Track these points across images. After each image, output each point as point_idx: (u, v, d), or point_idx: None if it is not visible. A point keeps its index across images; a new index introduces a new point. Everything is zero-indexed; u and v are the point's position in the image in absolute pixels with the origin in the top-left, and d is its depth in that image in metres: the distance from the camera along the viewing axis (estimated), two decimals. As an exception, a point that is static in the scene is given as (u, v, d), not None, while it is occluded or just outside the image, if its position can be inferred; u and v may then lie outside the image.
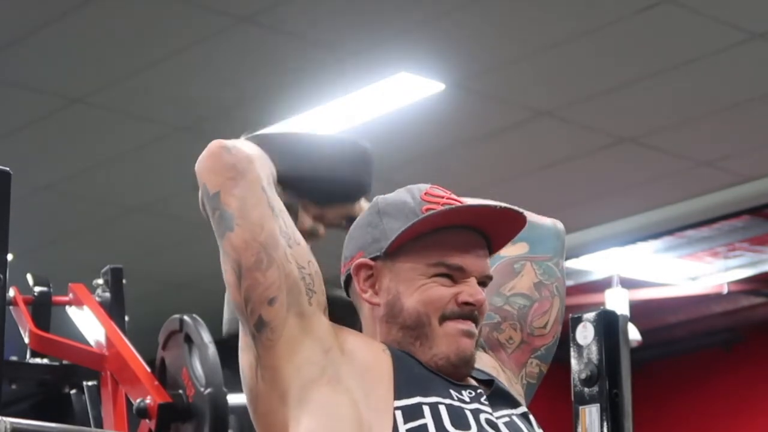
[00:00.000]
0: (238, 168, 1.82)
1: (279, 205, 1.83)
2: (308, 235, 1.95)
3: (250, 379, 1.81)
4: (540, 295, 2.02)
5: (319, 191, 1.97)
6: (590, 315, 2.10)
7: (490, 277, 1.87)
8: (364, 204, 2.02)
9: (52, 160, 5.98)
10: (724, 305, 8.04)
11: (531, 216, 2.00)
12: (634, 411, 2.09)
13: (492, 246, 1.89)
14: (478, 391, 1.82)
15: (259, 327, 1.78)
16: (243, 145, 1.87)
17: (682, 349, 8.74)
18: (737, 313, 8.18)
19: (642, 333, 7.38)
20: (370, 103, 5.28)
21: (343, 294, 1.93)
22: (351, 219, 1.99)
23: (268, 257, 1.78)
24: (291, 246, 1.80)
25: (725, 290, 7.68)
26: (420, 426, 1.72)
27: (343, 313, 1.87)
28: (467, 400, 1.79)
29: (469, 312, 1.82)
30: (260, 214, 1.80)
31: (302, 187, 1.95)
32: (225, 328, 1.98)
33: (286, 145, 1.95)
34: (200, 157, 1.85)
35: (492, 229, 1.86)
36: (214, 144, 1.85)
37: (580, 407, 2.08)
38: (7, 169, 2.05)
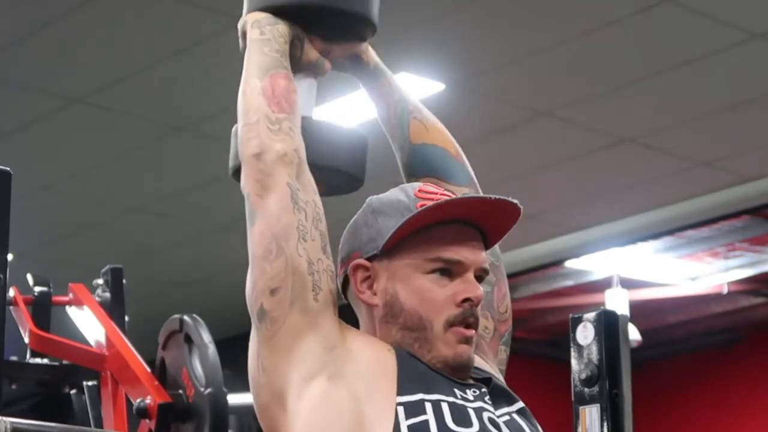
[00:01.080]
0: (264, 172, 1.83)
1: (305, 197, 1.83)
2: (313, 66, 2.00)
3: (253, 369, 1.82)
4: (495, 277, 2.02)
5: (326, 24, 1.98)
6: (590, 315, 2.10)
7: (486, 271, 1.87)
8: (371, 50, 2.09)
9: (52, 160, 5.98)
10: (724, 305, 8.05)
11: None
12: (634, 411, 2.09)
13: (488, 239, 1.89)
14: (482, 390, 1.82)
15: (261, 316, 1.80)
16: (271, 134, 1.85)
17: (682, 349, 8.75)
18: (737, 313, 8.19)
19: (642, 333, 7.38)
20: (370, 103, 5.27)
21: None
22: (357, 59, 2.05)
23: (278, 248, 1.79)
24: (306, 240, 1.81)
25: (725, 290, 7.68)
26: (421, 422, 1.73)
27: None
28: (471, 398, 1.79)
29: (470, 309, 1.82)
30: (280, 207, 1.81)
31: (309, 19, 1.96)
32: (231, 162, 1.99)
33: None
34: (239, 147, 1.88)
35: (487, 222, 1.86)
36: (246, 151, 1.86)
37: (580, 407, 2.08)
38: (7, 169, 2.05)
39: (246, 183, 1.85)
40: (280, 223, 1.80)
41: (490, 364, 1.97)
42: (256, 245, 1.81)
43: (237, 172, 1.94)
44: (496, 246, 1.99)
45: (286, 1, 1.95)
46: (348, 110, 5.33)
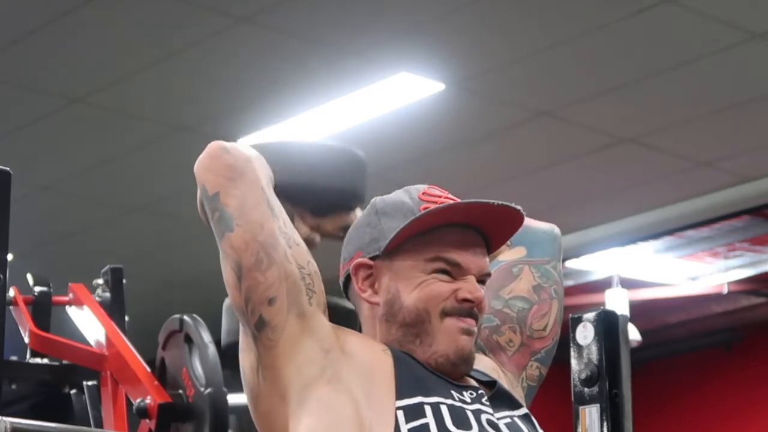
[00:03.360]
0: (236, 168, 1.82)
1: (278, 205, 1.84)
2: (305, 242, 1.95)
3: (251, 380, 1.81)
4: (539, 297, 2.02)
5: (315, 200, 1.98)
6: (590, 315, 2.10)
7: (488, 275, 1.87)
8: (359, 213, 2.03)
9: (52, 160, 5.98)
10: (724, 305, 8.05)
11: (528, 221, 2.01)
12: (634, 411, 2.09)
13: (491, 245, 1.89)
14: (479, 392, 1.82)
15: (260, 327, 1.79)
16: (241, 147, 1.87)
17: (682, 349, 8.75)
18: (737, 313, 8.18)
19: (642, 333, 7.38)
20: (370, 103, 5.28)
21: (341, 302, 1.93)
22: (347, 228, 1.99)
23: (268, 257, 1.78)
24: (291, 246, 1.81)
25: (725, 290, 7.68)
26: (422, 425, 1.73)
27: (341, 321, 1.88)
28: (468, 400, 1.79)
29: (469, 309, 1.83)
30: (260, 213, 1.80)
31: (298, 196, 1.97)
32: (224, 339, 2.00)
33: (281, 154, 1.96)
34: (199, 158, 1.86)
35: (490, 227, 1.87)
36: (213, 145, 1.85)
37: (580, 407, 2.08)
38: (7, 169, 2.05)
39: (210, 183, 1.82)
40: (264, 231, 1.79)
41: (506, 375, 1.97)
42: (243, 254, 1.78)
43: (229, 347, 1.93)
44: (549, 267, 2.02)
45: (279, 180, 1.92)
46: (341, 113, 5.32)
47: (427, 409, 1.74)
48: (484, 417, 1.77)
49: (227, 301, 1.92)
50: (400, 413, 1.73)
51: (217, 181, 1.82)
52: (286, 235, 1.81)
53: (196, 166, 1.85)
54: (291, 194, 1.96)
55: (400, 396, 1.75)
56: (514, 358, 2.00)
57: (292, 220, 1.94)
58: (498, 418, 1.79)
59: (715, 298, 7.89)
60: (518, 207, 1.85)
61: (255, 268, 1.78)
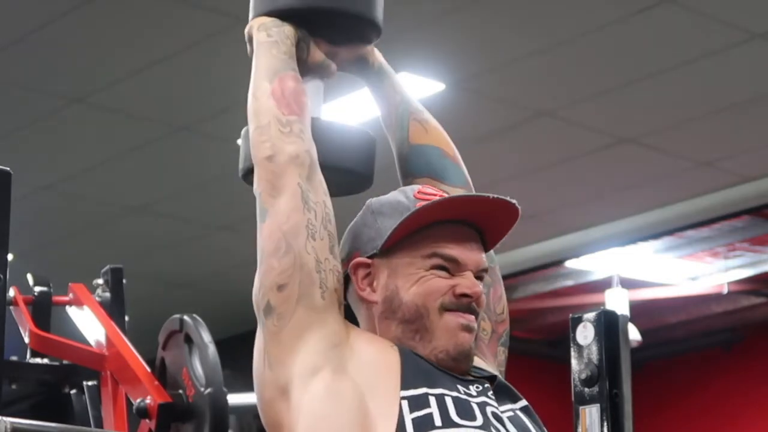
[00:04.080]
0: (276, 173, 1.85)
1: (315, 197, 1.85)
2: (319, 68, 2.04)
3: (258, 366, 1.83)
4: (492, 279, 2.02)
5: (332, 26, 1.99)
6: (590, 315, 2.10)
7: (486, 270, 1.88)
8: (376, 51, 2.11)
9: (52, 160, 5.98)
10: (724, 305, 8.05)
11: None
12: (634, 411, 2.09)
13: (487, 240, 1.89)
14: (486, 385, 1.83)
15: (267, 312, 1.80)
16: (282, 136, 1.86)
17: (682, 349, 8.75)
18: (737, 313, 8.19)
19: (642, 333, 7.38)
20: (370, 103, 5.27)
21: None
22: (362, 60, 2.08)
23: (287, 245, 1.80)
24: (314, 238, 1.82)
25: (725, 290, 7.68)
26: (426, 415, 1.73)
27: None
28: (474, 393, 1.80)
29: (467, 304, 1.83)
30: (291, 206, 1.82)
31: (315, 21, 1.98)
32: (241, 164, 2.00)
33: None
34: (252, 151, 1.89)
35: (486, 222, 1.87)
36: (259, 154, 1.87)
37: (580, 407, 2.08)
38: (7, 169, 2.05)
39: (258, 184, 1.87)
40: (290, 222, 1.82)
41: (490, 366, 1.97)
42: (266, 242, 1.82)
43: (246, 173, 1.95)
44: None
45: (291, 4, 1.97)
46: (349, 109, 5.33)
47: (432, 400, 1.75)
48: (489, 409, 1.78)
49: (245, 130, 1.94)
50: (405, 403, 1.74)
51: (260, 184, 1.86)
52: (314, 227, 1.83)
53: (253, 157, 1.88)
54: (308, 19, 1.98)
55: (404, 386, 1.76)
56: (490, 346, 2.01)
57: (308, 44, 1.99)
58: (502, 412, 1.80)
59: (715, 298, 7.89)
60: (513, 200, 1.85)
61: (272, 254, 1.81)
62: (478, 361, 1.92)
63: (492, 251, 2.02)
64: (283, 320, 1.79)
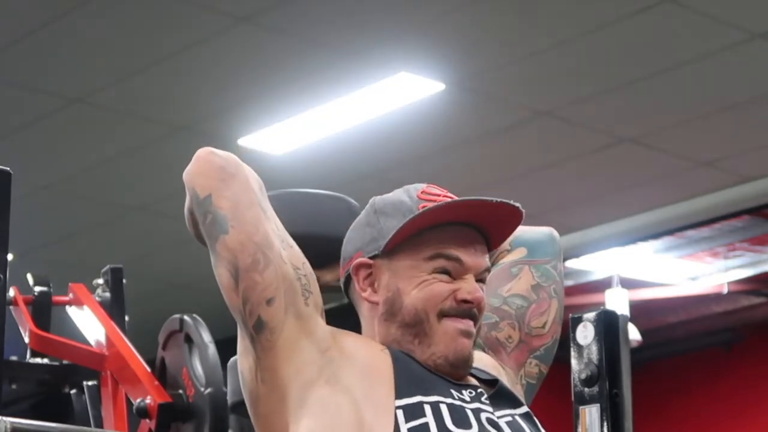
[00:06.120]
0: (227, 170, 1.82)
1: (269, 208, 1.84)
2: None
3: (250, 382, 1.81)
4: (537, 296, 2.02)
5: (315, 250, 1.95)
6: (590, 315, 2.10)
7: (488, 270, 1.87)
8: None
9: (52, 160, 5.98)
10: (724, 305, 8.05)
11: (528, 227, 2.03)
12: (634, 411, 2.09)
13: (490, 243, 1.89)
14: (479, 390, 1.82)
15: (258, 328, 1.78)
16: (231, 154, 1.86)
17: (682, 349, 8.75)
18: (737, 313, 8.18)
19: (642, 333, 7.38)
20: (370, 103, 5.28)
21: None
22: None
23: (265, 258, 1.78)
24: (284, 248, 1.81)
25: (725, 290, 7.68)
26: (421, 425, 1.72)
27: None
28: (468, 399, 1.79)
29: (468, 309, 1.82)
30: (254, 215, 1.80)
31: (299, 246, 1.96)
32: (230, 398, 1.99)
33: (282, 203, 1.95)
34: (189, 165, 1.85)
35: (489, 225, 1.87)
36: (201, 151, 1.85)
37: (580, 407, 2.08)
38: (7, 169, 2.04)
39: (205, 183, 1.81)
40: (260, 232, 1.79)
41: (506, 372, 1.97)
42: (239, 255, 1.78)
43: (235, 406, 1.92)
44: (549, 267, 2.03)
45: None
46: (341, 113, 5.32)
47: (427, 409, 1.74)
48: (483, 416, 1.77)
49: (232, 361, 1.92)
50: (400, 413, 1.73)
51: (209, 183, 1.81)
52: (280, 236, 1.82)
53: (185, 172, 1.85)
54: None
55: (399, 395, 1.75)
56: (513, 355, 2.00)
57: None
58: (498, 417, 1.79)
59: (715, 298, 7.89)
60: (517, 204, 1.85)
61: (252, 268, 1.78)
62: (488, 364, 1.92)
63: (553, 270, 2.04)
64: (275, 333, 1.78)
